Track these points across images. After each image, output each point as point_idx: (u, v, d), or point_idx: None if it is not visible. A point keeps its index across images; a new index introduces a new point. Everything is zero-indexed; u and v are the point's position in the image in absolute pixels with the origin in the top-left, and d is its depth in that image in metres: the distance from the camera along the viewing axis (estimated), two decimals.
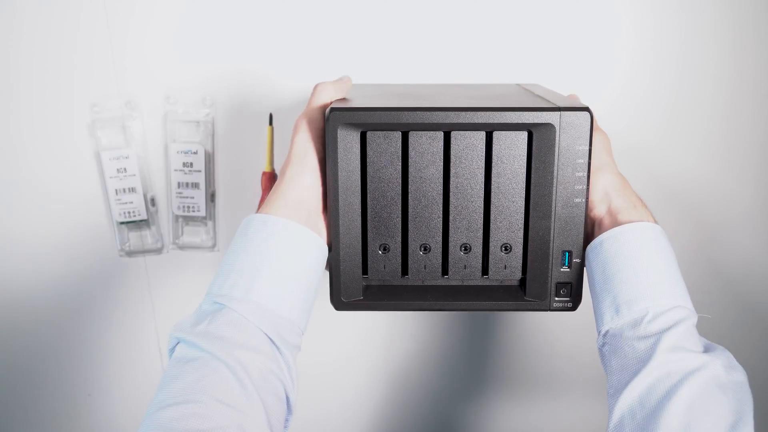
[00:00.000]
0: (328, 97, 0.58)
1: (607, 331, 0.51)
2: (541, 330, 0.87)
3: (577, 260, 0.57)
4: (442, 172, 0.55)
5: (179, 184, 0.79)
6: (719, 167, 0.80)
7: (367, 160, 0.55)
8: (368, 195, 0.56)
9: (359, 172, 0.55)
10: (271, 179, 0.78)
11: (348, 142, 0.54)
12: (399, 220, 0.57)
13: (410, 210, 0.56)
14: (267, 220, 0.52)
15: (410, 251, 0.57)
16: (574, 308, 0.58)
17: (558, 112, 0.53)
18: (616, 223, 0.54)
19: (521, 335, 0.87)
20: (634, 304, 0.50)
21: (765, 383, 0.88)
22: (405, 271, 0.58)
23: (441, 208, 0.56)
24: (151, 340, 0.86)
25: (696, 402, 0.45)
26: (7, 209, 0.81)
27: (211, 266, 0.83)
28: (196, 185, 0.79)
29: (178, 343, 0.48)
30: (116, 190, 0.79)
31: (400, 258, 0.58)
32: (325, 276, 0.57)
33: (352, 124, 0.54)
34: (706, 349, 0.49)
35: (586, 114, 0.53)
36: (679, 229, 0.82)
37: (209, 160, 0.79)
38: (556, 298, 0.58)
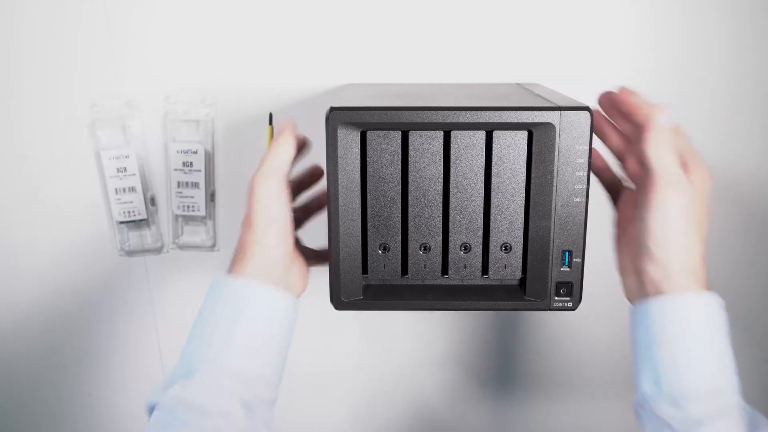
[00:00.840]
0: (289, 154, 0.57)
1: (645, 398, 0.51)
2: (542, 329, 0.87)
3: (578, 260, 0.57)
4: (441, 172, 0.55)
5: (179, 184, 0.79)
6: (719, 168, 0.80)
7: (367, 159, 0.55)
8: (368, 194, 0.56)
9: (359, 172, 0.55)
10: None
11: (348, 141, 0.54)
12: (399, 219, 0.57)
13: (410, 209, 0.56)
14: (235, 284, 0.54)
15: (410, 251, 0.57)
16: (574, 308, 0.58)
17: (558, 112, 0.53)
18: (669, 290, 0.51)
19: (521, 335, 0.87)
20: (675, 382, 0.49)
21: None
22: (405, 270, 0.58)
23: (441, 208, 0.56)
24: (151, 340, 0.86)
25: None
26: (6, 209, 0.81)
27: (211, 266, 0.83)
28: (196, 185, 0.79)
29: (154, 407, 0.50)
30: (116, 189, 0.79)
31: (399, 257, 0.58)
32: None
33: (352, 124, 0.54)
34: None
35: (586, 113, 0.53)
36: None
37: (209, 159, 0.79)
38: (556, 298, 0.58)
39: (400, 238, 0.57)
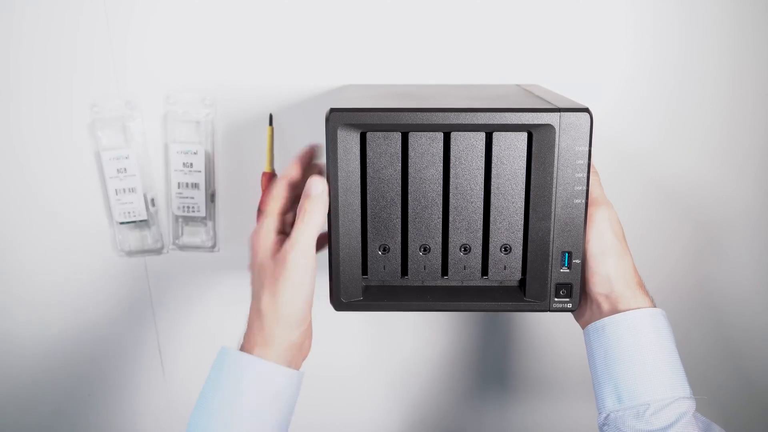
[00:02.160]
0: (319, 223, 0.55)
1: (608, 415, 0.55)
2: (542, 330, 0.87)
3: (577, 261, 0.57)
4: (441, 173, 0.55)
5: (179, 184, 0.79)
6: (719, 168, 0.80)
7: (367, 160, 0.55)
8: (368, 195, 0.56)
9: (359, 173, 0.55)
10: (271, 179, 0.78)
11: (348, 142, 0.54)
12: (399, 220, 0.57)
13: (410, 210, 0.56)
14: (241, 362, 0.54)
15: (410, 252, 0.57)
16: (573, 309, 0.58)
17: (558, 113, 0.53)
18: (615, 310, 0.56)
19: (521, 335, 0.87)
20: (636, 396, 0.53)
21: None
22: (405, 271, 0.58)
23: (441, 209, 0.56)
24: (151, 340, 0.86)
25: None
26: (6, 209, 0.81)
27: (211, 266, 0.83)
28: (196, 185, 0.79)
29: None
30: (116, 190, 0.79)
31: (399, 258, 0.58)
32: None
33: (352, 125, 0.54)
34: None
35: (585, 115, 0.53)
36: (679, 231, 0.82)
37: (209, 160, 0.79)
38: (556, 299, 0.58)
39: (399, 239, 0.57)
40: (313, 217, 0.54)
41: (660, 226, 0.82)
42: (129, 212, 0.80)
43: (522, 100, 0.60)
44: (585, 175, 0.55)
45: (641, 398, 0.53)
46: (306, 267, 0.54)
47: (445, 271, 0.58)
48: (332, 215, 0.55)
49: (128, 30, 0.76)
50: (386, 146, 0.55)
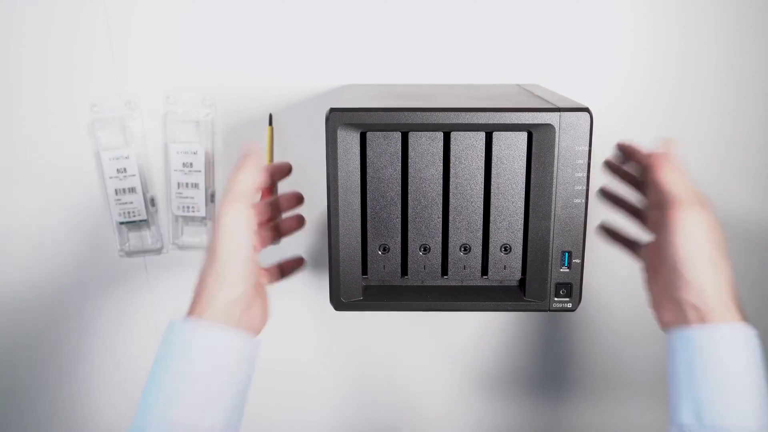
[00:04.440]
0: (253, 181, 0.55)
1: (682, 426, 0.50)
2: (542, 330, 0.87)
3: (577, 260, 0.57)
4: (441, 173, 0.55)
5: (179, 184, 0.79)
6: (719, 168, 0.80)
7: (367, 160, 0.55)
8: (368, 195, 0.56)
9: (359, 173, 0.55)
10: None
11: (347, 142, 0.54)
12: (399, 220, 0.57)
13: (410, 210, 0.56)
14: (186, 329, 0.51)
15: (410, 251, 0.57)
16: (573, 309, 0.58)
17: (558, 113, 0.53)
18: (704, 320, 0.51)
19: (522, 335, 0.87)
20: (718, 417, 0.48)
21: None
22: (405, 271, 0.58)
23: (441, 209, 0.56)
24: (151, 340, 0.86)
25: None
26: (6, 209, 0.81)
27: None
28: (196, 185, 0.79)
29: None
30: (116, 190, 0.79)
31: (399, 258, 0.58)
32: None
33: (352, 125, 0.54)
34: None
35: (585, 115, 0.53)
36: None
37: (209, 160, 0.79)
38: (556, 299, 0.58)
39: (399, 238, 0.57)
40: (243, 173, 0.54)
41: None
42: (129, 212, 0.80)
43: (522, 100, 0.60)
44: (585, 174, 0.55)
45: (724, 422, 0.48)
46: (238, 217, 0.52)
47: (445, 271, 0.58)
48: (332, 215, 0.55)
49: (128, 30, 0.76)
50: (386, 146, 0.55)
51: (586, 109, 0.54)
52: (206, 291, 0.52)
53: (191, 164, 0.78)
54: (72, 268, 0.83)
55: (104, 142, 0.79)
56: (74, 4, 0.75)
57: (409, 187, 0.56)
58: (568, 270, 0.57)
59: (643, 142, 0.79)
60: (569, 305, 0.58)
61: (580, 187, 0.55)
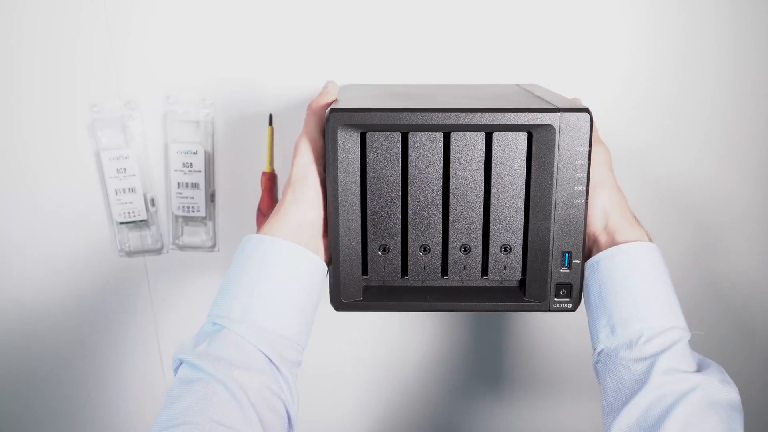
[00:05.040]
0: (322, 113, 0.58)
1: (602, 350, 0.53)
2: (542, 330, 0.87)
3: (577, 261, 0.57)
4: (441, 173, 0.55)
5: (179, 184, 0.79)
6: (719, 168, 0.80)
7: (367, 160, 0.55)
8: (368, 195, 0.56)
9: (359, 173, 0.55)
10: (270, 179, 0.78)
11: (348, 143, 0.54)
12: (399, 220, 0.57)
13: (410, 211, 0.56)
14: (263, 240, 0.53)
15: (410, 252, 0.57)
16: (573, 309, 0.58)
17: (558, 114, 0.53)
18: (613, 242, 0.55)
19: (522, 335, 0.87)
20: (629, 325, 0.51)
21: (764, 387, 0.88)
22: (405, 271, 0.58)
23: (441, 209, 0.56)
24: (151, 339, 0.86)
25: (690, 422, 0.47)
26: (6, 209, 0.81)
27: (211, 266, 0.83)
28: (196, 185, 0.79)
29: (180, 363, 0.50)
30: (116, 190, 0.79)
31: (399, 259, 0.58)
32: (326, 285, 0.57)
33: (352, 125, 0.54)
34: (700, 368, 0.50)
35: (585, 115, 0.53)
36: (679, 231, 0.82)
37: (209, 160, 0.79)
38: (556, 299, 0.58)
39: (400, 239, 0.57)
40: (315, 112, 0.57)
41: (660, 225, 0.82)
42: (129, 212, 0.80)
43: (522, 101, 0.60)
44: (585, 175, 0.55)
45: (634, 327, 0.51)
46: (311, 149, 0.56)
47: (445, 271, 0.58)
48: (332, 215, 0.55)
49: (128, 30, 0.76)
50: (386, 146, 0.55)
51: (587, 110, 0.54)
52: (280, 210, 0.55)
53: (191, 164, 0.78)
54: (72, 268, 0.83)
55: (104, 142, 0.79)
56: (74, 4, 0.75)
57: (409, 188, 0.56)
58: (568, 270, 0.57)
59: (642, 141, 0.79)
60: (569, 305, 0.58)
61: (580, 188, 0.55)
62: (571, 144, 0.54)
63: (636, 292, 0.52)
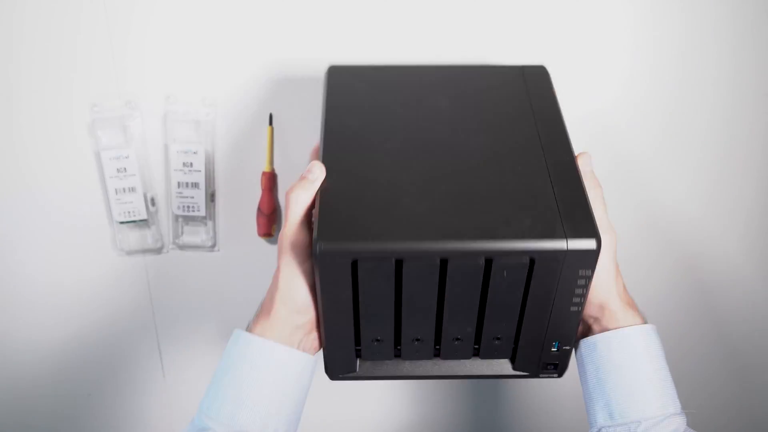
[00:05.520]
0: (302, 204, 0.55)
1: (600, 430, 0.55)
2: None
3: (567, 347, 0.57)
4: (436, 293, 0.52)
5: (179, 184, 0.79)
6: (719, 168, 0.80)
7: (359, 286, 0.52)
8: (360, 312, 0.54)
9: (350, 297, 0.52)
10: (270, 179, 0.78)
11: (337, 273, 0.51)
12: (392, 325, 0.55)
13: (403, 318, 0.55)
14: (253, 343, 0.54)
15: (403, 342, 0.57)
16: (560, 376, 0.59)
17: (564, 241, 0.49)
18: (607, 327, 0.56)
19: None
20: (627, 413, 0.53)
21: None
22: (398, 354, 0.58)
23: (434, 319, 0.55)
24: (151, 339, 0.86)
25: None
26: (6, 209, 0.81)
27: (211, 266, 0.83)
28: (196, 185, 0.79)
29: None
30: (116, 189, 0.79)
31: (392, 346, 0.57)
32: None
33: (341, 258, 0.50)
34: None
35: (592, 241, 0.49)
36: (678, 231, 0.82)
37: (209, 160, 0.79)
38: (543, 373, 0.59)
39: (393, 334, 0.56)
40: (295, 206, 0.54)
41: (659, 225, 0.82)
42: (129, 212, 0.80)
43: (524, 213, 0.52)
44: (585, 289, 0.52)
45: (632, 416, 0.53)
46: (298, 258, 0.54)
47: (437, 354, 0.58)
48: (323, 319, 0.54)
49: (128, 30, 0.76)
50: (379, 272, 0.50)
51: (595, 235, 0.49)
52: (272, 314, 0.55)
53: (191, 164, 0.79)
54: (72, 268, 0.83)
55: (104, 142, 0.79)
56: (74, 4, 0.75)
57: (402, 303, 0.53)
58: (557, 352, 0.57)
59: (642, 141, 0.79)
60: (555, 375, 0.59)
61: (578, 300, 0.53)
62: (575, 269, 0.51)
63: (633, 379, 0.54)
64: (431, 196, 0.53)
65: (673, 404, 0.54)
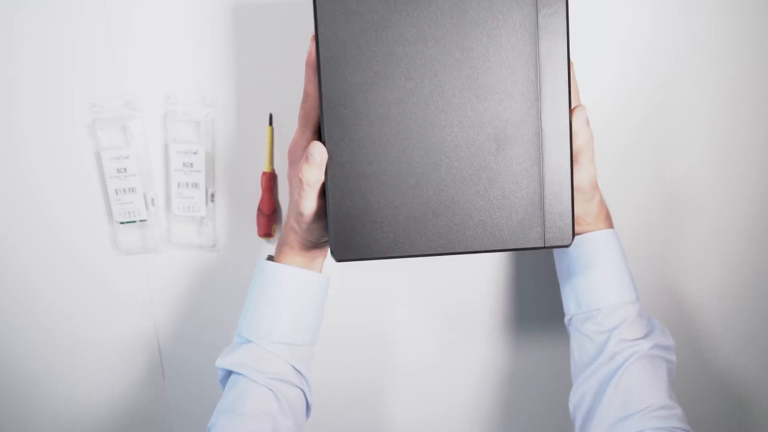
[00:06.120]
0: (317, 183, 0.61)
1: (571, 317, 0.68)
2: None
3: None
4: None
5: (179, 184, 0.79)
6: (719, 169, 0.80)
7: None
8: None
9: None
10: (270, 179, 0.78)
11: None
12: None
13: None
14: (278, 270, 0.65)
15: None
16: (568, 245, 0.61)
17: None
18: (580, 231, 0.67)
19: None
20: (590, 303, 0.66)
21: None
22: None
23: None
24: (152, 339, 0.86)
25: (626, 373, 0.62)
26: (6, 209, 0.81)
27: (211, 266, 0.83)
28: (196, 185, 0.79)
29: (226, 373, 0.65)
30: (116, 190, 0.79)
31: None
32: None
33: None
34: (647, 333, 0.65)
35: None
36: (678, 232, 0.82)
37: (209, 160, 0.79)
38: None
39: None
40: (312, 186, 0.60)
41: (658, 227, 0.82)
42: (129, 212, 0.80)
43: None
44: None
45: (594, 305, 0.65)
46: (317, 216, 0.62)
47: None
48: (329, 193, 0.58)
49: (128, 30, 0.76)
50: None
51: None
52: (287, 244, 0.66)
53: (191, 164, 0.78)
54: (71, 268, 0.83)
55: (104, 142, 0.79)
56: (74, 4, 0.75)
57: None
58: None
59: (642, 141, 0.79)
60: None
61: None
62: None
63: (596, 275, 0.66)
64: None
65: (628, 295, 0.66)
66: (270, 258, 0.68)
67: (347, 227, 0.59)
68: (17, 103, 0.78)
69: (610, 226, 0.68)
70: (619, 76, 0.77)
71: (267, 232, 0.80)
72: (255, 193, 0.79)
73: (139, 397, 0.89)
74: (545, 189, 0.58)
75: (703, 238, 0.83)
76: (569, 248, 0.67)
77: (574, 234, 0.60)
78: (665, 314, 0.84)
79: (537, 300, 0.85)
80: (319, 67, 0.58)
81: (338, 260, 0.60)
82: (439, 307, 0.85)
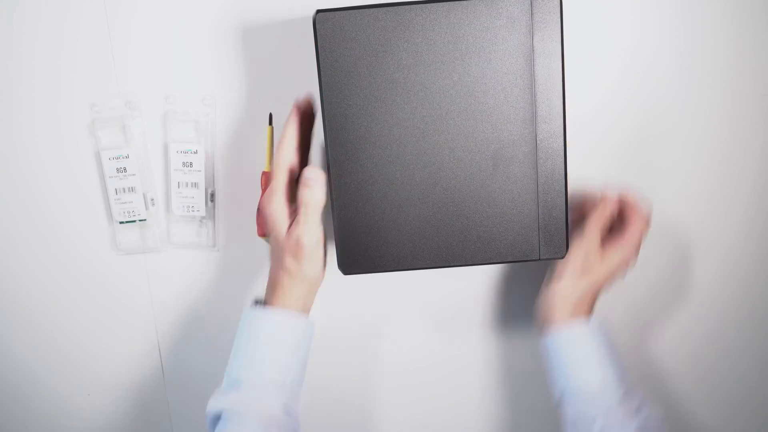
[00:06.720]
0: (319, 204, 0.64)
1: (556, 399, 0.70)
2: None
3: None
4: None
5: (179, 184, 0.79)
6: (719, 168, 0.80)
7: None
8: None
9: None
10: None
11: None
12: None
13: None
14: (264, 317, 0.66)
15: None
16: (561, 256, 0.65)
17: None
18: (561, 327, 0.69)
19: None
20: (570, 390, 0.67)
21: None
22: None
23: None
24: (151, 339, 0.86)
25: None
26: (6, 209, 0.81)
27: (211, 266, 0.83)
28: (196, 185, 0.79)
29: (216, 412, 0.65)
30: (116, 189, 0.79)
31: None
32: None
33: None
34: (637, 411, 0.65)
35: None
36: (677, 232, 0.82)
37: (209, 159, 0.79)
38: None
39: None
40: (313, 209, 0.62)
41: (658, 227, 0.82)
42: (129, 212, 0.80)
43: None
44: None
45: (572, 392, 0.68)
46: (318, 243, 0.64)
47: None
48: (335, 211, 0.58)
49: (128, 30, 0.76)
50: None
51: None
52: (276, 288, 0.67)
53: (191, 164, 0.79)
54: (71, 268, 0.83)
55: (104, 142, 0.79)
56: (74, 4, 0.75)
57: None
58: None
59: (641, 141, 0.79)
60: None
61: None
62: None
63: (574, 365, 0.68)
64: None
65: (609, 384, 0.66)
66: (258, 302, 0.70)
67: (353, 243, 0.63)
68: (17, 103, 0.78)
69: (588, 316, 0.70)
70: (619, 76, 0.77)
71: (267, 232, 0.80)
72: (255, 193, 0.79)
73: (139, 397, 0.89)
74: (540, 206, 0.61)
75: (703, 238, 0.83)
76: (547, 344, 0.69)
77: (567, 246, 0.64)
78: (661, 314, 0.84)
79: (530, 300, 0.85)
80: (321, 92, 0.59)
81: (345, 274, 0.64)
82: (433, 308, 0.85)
